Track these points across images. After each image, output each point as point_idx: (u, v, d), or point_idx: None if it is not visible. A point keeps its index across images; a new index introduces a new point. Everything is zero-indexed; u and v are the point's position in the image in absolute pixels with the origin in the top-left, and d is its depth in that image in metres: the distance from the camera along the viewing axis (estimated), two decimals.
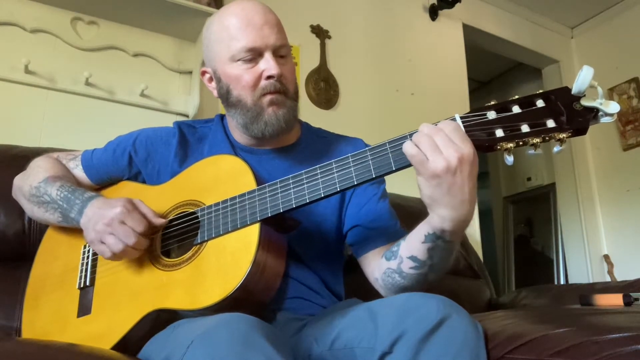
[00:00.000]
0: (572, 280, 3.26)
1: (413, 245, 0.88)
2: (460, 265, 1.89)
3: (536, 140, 0.74)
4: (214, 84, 1.05)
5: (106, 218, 0.90)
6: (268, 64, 0.97)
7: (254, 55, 0.97)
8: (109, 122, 1.79)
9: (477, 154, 0.76)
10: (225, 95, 1.02)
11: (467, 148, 0.74)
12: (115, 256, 0.92)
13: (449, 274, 1.85)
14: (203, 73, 1.07)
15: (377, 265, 0.99)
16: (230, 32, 0.98)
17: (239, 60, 0.98)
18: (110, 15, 1.85)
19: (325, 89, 2.31)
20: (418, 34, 2.75)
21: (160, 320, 0.89)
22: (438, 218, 0.79)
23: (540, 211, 3.87)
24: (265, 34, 0.97)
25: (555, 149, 0.75)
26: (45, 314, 1.01)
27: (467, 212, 0.78)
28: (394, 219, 1.06)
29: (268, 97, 0.98)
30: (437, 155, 0.73)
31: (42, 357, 0.72)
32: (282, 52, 1.00)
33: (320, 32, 2.38)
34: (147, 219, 0.94)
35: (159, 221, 0.95)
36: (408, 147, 0.76)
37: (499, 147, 0.75)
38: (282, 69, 0.99)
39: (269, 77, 0.97)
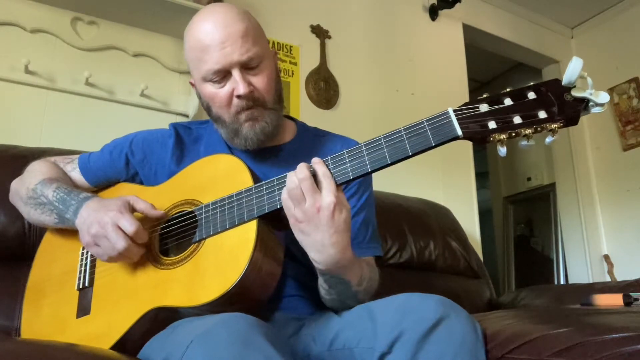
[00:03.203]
0: (572, 280, 3.26)
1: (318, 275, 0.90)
2: (460, 265, 1.89)
3: (528, 131, 0.75)
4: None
5: (101, 221, 0.90)
6: (236, 84, 0.96)
7: (222, 74, 0.96)
8: (109, 122, 1.79)
9: (475, 149, 0.77)
10: (207, 110, 1.04)
11: (327, 198, 0.78)
12: (111, 259, 0.92)
13: (449, 274, 1.86)
14: (192, 84, 1.07)
15: None
16: (196, 54, 0.97)
17: (209, 81, 0.98)
18: (110, 15, 1.84)
19: (325, 89, 2.31)
20: (418, 34, 2.75)
21: (159, 319, 0.89)
22: (310, 255, 0.83)
23: (540, 211, 3.87)
24: (227, 52, 0.94)
25: (548, 139, 0.76)
26: (44, 315, 1.01)
27: (334, 255, 0.80)
28: (362, 233, 1.04)
29: (243, 114, 0.99)
30: (296, 207, 0.79)
31: (42, 357, 0.72)
32: (252, 64, 0.97)
33: (320, 32, 2.38)
34: (144, 214, 0.94)
35: (157, 213, 0.95)
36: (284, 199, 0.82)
37: (492, 139, 0.76)
38: (254, 82, 0.97)
39: (239, 97, 0.97)
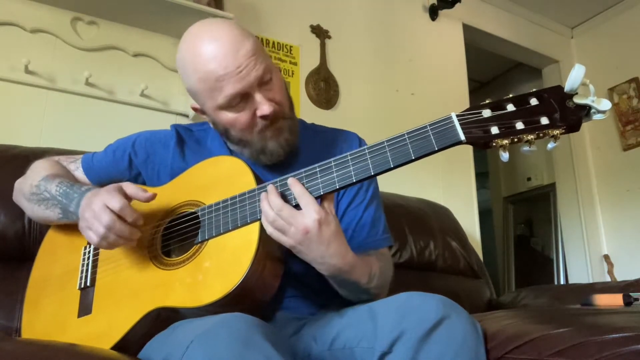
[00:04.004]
0: (572, 280, 3.26)
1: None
2: (460, 265, 1.89)
3: (530, 136, 0.75)
4: (207, 117, 1.03)
5: (92, 204, 0.91)
6: (259, 105, 0.94)
7: (241, 98, 0.94)
8: (109, 122, 1.79)
9: (475, 149, 0.78)
10: (225, 134, 1.01)
11: (309, 219, 0.80)
12: (103, 241, 0.90)
13: (449, 274, 1.86)
14: (195, 109, 1.03)
15: None
16: (209, 84, 0.93)
17: (226, 108, 0.95)
18: (110, 15, 1.84)
19: (325, 89, 2.31)
20: (418, 34, 2.75)
21: (160, 319, 0.89)
22: (317, 269, 0.86)
23: (540, 211, 3.87)
24: (243, 76, 0.91)
25: (550, 145, 0.77)
26: (46, 315, 1.02)
27: (335, 264, 0.84)
28: (375, 228, 1.06)
29: (269, 132, 0.97)
30: (284, 236, 0.82)
31: (42, 357, 0.72)
32: (265, 79, 0.95)
33: (320, 32, 2.38)
34: (133, 197, 0.93)
35: (146, 195, 0.93)
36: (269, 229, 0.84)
37: (494, 144, 0.77)
38: (274, 97, 0.96)
39: (263, 117, 0.95)
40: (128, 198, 0.92)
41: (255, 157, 1.01)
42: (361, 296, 0.93)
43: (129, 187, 0.94)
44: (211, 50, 0.92)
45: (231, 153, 1.07)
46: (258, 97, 0.93)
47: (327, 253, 0.82)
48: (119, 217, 0.89)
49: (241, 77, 0.91)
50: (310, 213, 0.80)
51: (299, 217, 0.80)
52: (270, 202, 0.83)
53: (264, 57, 0.95)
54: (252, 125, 0.96)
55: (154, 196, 0.95)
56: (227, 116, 0.96)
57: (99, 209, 0.89)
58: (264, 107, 0.93)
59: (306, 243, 0.81)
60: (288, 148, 1.00)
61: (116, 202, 0.89)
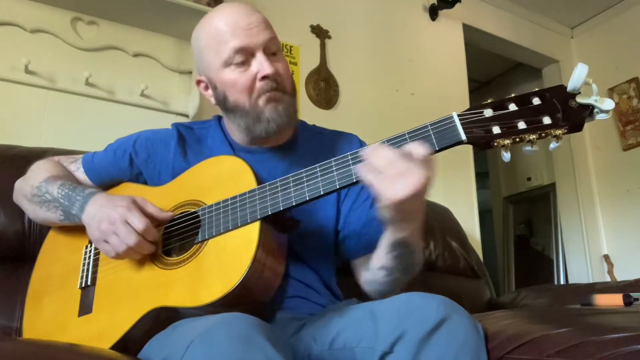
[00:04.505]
0: (572, 280, 3.26)
1: (381, 257, 0.93)
2: (460, 265, 1.89)
3: (532, 136, 0.75)
4: (210, 91, 1.05)
5: (110, 217, 0.91)
6: (261, 65, 0.96)
7: (246, 56, 0.97)
8: (109, 122, 1.79)
9: (475, 150, 0.78)
10: (222, 102, 1.03)
11: (428, 171, 0.73)
12: (118, 256, 0.92)
13: (449, 274, 1.86)
14: (198, 82, 1.06)
15: (362, 273, 1.02)
16: (218, 38, 0.98)
17: (231, 64, 0.97)
18: (110, 15, 1.84)
19: (325, 89, 2.31)
20: (418, 34, 2.75)
21: (161, 318, 0.89)
22: (398, 231, 0.85)
23: (540, 211, 3.87)
24: (252, 33, 0.96)
25: (552, 145, 0.76)
26: (47, 314, 1.02)
27: (421, 218, 0.86)
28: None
29: (265, 96, 0.98)
30: (398, 183, 0.72)
31: (42, 357, 0.72)
32: (273, 49, 0.99)
33: (320, 32, 2.38)
34: (153, 216, 0.94)
35: (165, 215, 0.96)
36: (364, 173, 0.75)
37: (496, 144, 0.76)
38: (277, 66, 0.98)
39: (264, 78, 0.96)
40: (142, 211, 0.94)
41: (250, 126, 1.00)
42: (405, 278, 0.94)
43: (149, 207, 0.95)
44: (224, 15, 0.99)
45: (233, 151, 1.07)
46: (261, 57, 0.96)
47: (423, 207, 0.83)
48: (142, 236, 0.90)
49: (250, 33, 0.96)
50: (430, 165, 0.73)
51: (418, 164, 0.72)
52: (381, 154, 0.74)
53: (273, 31, 1.01)
54: (251, 88, 0.98)
55: (171, 217, 0.97)
56: (229, 76, 0.98)
57: (120, 225, 0.90)
58: (266, 66, 0.96)
59: (420, 193, 0.73)
60: (286, 118, 1.00)
61: (139, 223, 0.90)
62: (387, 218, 0.83)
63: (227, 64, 0.97)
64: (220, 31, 0.97)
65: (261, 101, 0.98)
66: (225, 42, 0.97)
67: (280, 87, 0.99)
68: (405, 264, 0.92)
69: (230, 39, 0.96)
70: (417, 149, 0.74)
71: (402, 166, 0.72)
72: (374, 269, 0.95)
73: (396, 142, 0.80)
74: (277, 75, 0.98)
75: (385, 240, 0.90)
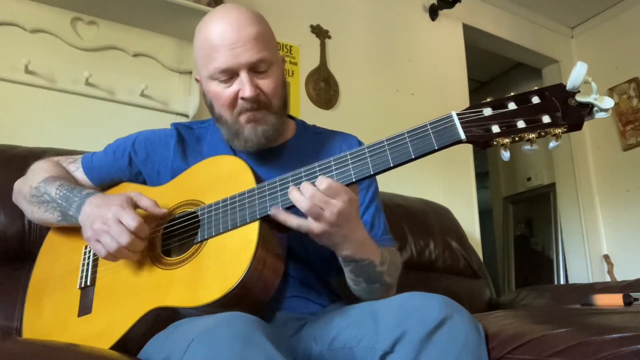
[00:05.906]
0: (572, 280, 3.25)
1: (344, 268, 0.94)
2: (460, 265, 1.89)
3: (532, 135, 0.75)
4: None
5: (103, 217, 0.90)
6: (242, 85, 0.96)
7: (229, 74, 0.97)
8: (109, 122, 1.79)
9: (475, 149, 0.78)
10: (210, 108, 1.04)
11: (340, 200, 0.79)
12: (110, 255, 0.90)
13: (449, 274, 1.86)
14: (197, 80, 1.07)
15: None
16: (206, 51, 0.97)
17: (215, 79, 0.98)
18: (110, 15, 1.84)
19: (325, 89, 2.31)
20: (418, 34, 2.75)
21: (160, 318, 0.89)
22: (339, 251, 0.87)
23: (540, 211, 3.87)
24: (237, 53, 0.94)
25: (551, 144, 0.76)
26: (46, 314, 1.02)
27: (358, 237, 0.86)
28: (375, 229, 1.06)
29: (245, 116, 0.99)
30: (314, 222, 0.80)
31: (42, 357, 0.72)
32: (260, 68, 0.97)
33: (320, 32, 2.38)
34: (147, 210, 0.94)
35: (160, 211, 0.95)
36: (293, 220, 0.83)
37: (495, 143, 0.76)
38: (262, 85, 0.98)
39: (243, 99, 0.97)
40: (137, 206, 0.94)
41: (229, 139, 1.03)
42: (376, 285, 0.94)
43: (143, 200, 0.95)
44: (217, 23, 0.97)
45: (232, 151, 1.07)
46: (244, 77, 0.95)
47: (356, 229, 0.84)
48: (135, 234, 0.89)
49: (234, 54, 0.95)
50: (341, 194, 0.80)
51: (331, 199, 0.79)
52: (301, 189, 0.81)
53: (266, 47, 0.97)
54: (232, 104, 0.98)
55: (168, 212, 0.96)
56: (214, 88, 0.99)
57: (113, 224, 0.89)
58: (247, 89, 0.95)
59: (340, 223, 0.80)
60: (264, 140, 1.00)
61: (132, 220, 0.89)
62: (324, 244, 0.86)
63: (212, 78, 0.98)
64: (209, 44, 0.96)
65: (242, 119, 0.99)
66: (211, 58, 0.96)
67: (262, 106, 0.99)
68: (366, 274, 0.92)
69: (216, 57, 0.96)
70: (322, 183, 0.80)
71: (316, 209, 0.79)
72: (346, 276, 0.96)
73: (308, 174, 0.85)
74: (259, 96, 0.98)
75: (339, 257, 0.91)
